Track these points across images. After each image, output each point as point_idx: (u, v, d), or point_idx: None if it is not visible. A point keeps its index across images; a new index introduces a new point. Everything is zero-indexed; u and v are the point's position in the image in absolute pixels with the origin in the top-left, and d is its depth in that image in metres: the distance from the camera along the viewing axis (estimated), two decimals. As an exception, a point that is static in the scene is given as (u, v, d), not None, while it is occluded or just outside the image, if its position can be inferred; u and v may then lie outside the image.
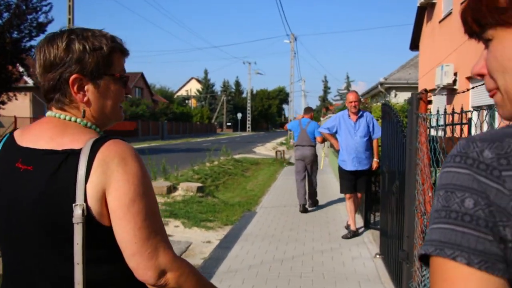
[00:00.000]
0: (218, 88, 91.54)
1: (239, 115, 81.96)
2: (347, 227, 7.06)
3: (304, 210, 8.73)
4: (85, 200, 1.18)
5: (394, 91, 21.87)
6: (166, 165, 11.75)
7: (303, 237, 6.83)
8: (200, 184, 9.63)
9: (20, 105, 30.84)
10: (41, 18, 17.51)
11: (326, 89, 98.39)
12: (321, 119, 40.28)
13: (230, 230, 7.41)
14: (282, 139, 43.06)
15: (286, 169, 17.52)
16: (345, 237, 6.76)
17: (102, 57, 1.31)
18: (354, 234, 6.80)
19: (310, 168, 9.06)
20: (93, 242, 1.21)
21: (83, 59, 1.28)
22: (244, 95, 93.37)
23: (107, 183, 1.19)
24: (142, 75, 55.34)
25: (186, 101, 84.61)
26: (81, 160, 1.18)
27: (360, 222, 7.42)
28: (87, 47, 1.28)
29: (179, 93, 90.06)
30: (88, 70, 1.29)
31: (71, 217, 1.17)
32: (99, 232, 1.21)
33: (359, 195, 7.15)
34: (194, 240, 6.82)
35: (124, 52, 1.41)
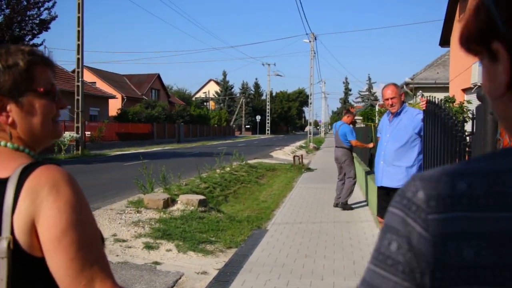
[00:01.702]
0: (237, 90, 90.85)
1: (258, 118, 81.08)
2: None
3: (336, 206, 9.61)
4: (12, 232, 1.10)
5: (420, 91, 20.43)
6: (170, 172, 10.52)
7: (321, 268, 5.48)
8: (202, 197, 8.33)
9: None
10: (44, 15, 16.46)
11: (347, 91, 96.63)
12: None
13: (233, 255, 6.11)
14: (301, 142, 41.69)
15: (305, 176, 16.17)
16: None
17: (19, 74, 1.22)
18: None
19: (344, 169, 9.70)
20: (27, 276, 1.13)
21: (8, 78, 1.20)
22: (263, 97, 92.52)
23: (36, 214, 1.10)
24: (158, 76, 54.67)
25: (204, 103, 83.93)
26: (8, 190, 1.11)
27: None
28: (0, 65, 1.21)
29: (197, 95, 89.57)
30: (6, 89, 1.21)
31: None
32: (32, 265, 1.12)
33: None
34: (186, 270, 5.54)
35: (48, 64, 1.31)
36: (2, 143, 1.22)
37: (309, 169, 18.04)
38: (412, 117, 5.16)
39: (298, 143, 40.88)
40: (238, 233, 7.19)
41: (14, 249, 1.10)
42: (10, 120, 1.22)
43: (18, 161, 1.18)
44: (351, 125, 9.81)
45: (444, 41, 17.26)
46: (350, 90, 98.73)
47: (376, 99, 73.69)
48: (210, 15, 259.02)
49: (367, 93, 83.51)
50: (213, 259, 6.01)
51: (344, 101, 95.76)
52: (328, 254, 6.10)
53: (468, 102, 8.76)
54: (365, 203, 10.18)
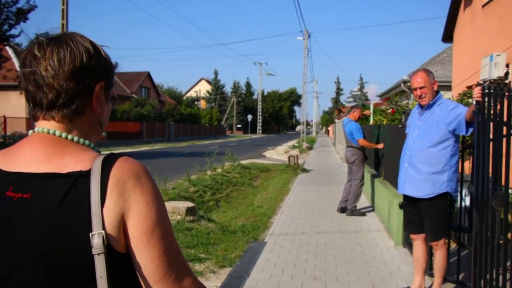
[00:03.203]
0: (228, 89, 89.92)
1: (250, 117, 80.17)
2: None
3: (341, 211, 8.80)
4: (103, 228, 1.05)
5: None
6: (156, 174, 9.48)
7: (336, 295, 4.51)
8: (190, 204, 7.29)
9: (15, 104, 28.86)
10: (22, 3, 15.32)
11: (338, 91, 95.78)
12: (336, 120, 37.98)
13: (227, 278, 5.09)
14: (294, 142, 40.74)
15: (301, 177, 15.19)
16: None
17: (111, 66, 1.26)
18: None
19: (352, 170, 8.87)
20: (115, 273, 1.07)
21: (106, 66, 1.22)
22: (254, 96, 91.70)
23: (125, 207, 1.07)
24: (148, 74, 53.42)
25: (195, 102, 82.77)
26: (93, 183, 1.06)
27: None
28: (103, 53, 1.23)
29: (188, 94, 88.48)
30: (108, 79, 1.23)
31: (86, 249, 1.04)
32: (120, 262, 1.09)
33: (436, 245, 4.31)
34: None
35: None
36: (74, 137, 1.17)
37: (304, 170, 17.07)
38: (448, 111, 4.16)
39: (291, 143, 39.92)
40: (232, 247, 6.18)
41: (106, 244, 1.05)
42: (98, 109, 1.21)
43: (90, 154, 1.14)
44: (358, 122, 8.83)
45: (447, 37, 16.35)
46: (342, 90, 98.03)
47: (367, 99, 73.00)
48: (201, 12, 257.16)
49: (358, 93, 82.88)
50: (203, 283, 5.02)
51: (336, 100, 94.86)
52: (340, 275, 5.11)
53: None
54: (371, 209, 9.22)
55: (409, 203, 4.48)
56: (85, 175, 1.07)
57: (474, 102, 3.82)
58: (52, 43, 1.15)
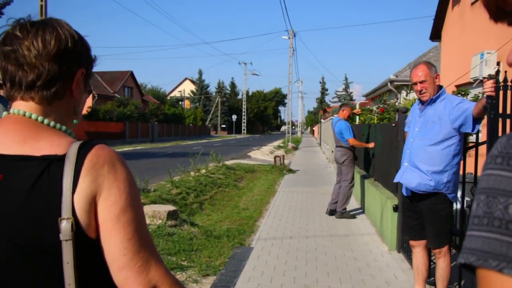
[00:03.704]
0: (212, 89, 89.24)
1: (234, 117, 79.69)
2: None
3: (330, 213, 8.45)
4: (73, 213, 1.04)
5: (405, 89, 19.43)
6: (137, 175, 9.03)
7: (330, 308, 4.14)
8: (172, 208, 6.84)
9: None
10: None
11: (323, 91, 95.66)
12: (322, 120, 37.68)
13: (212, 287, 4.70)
14: (279, 142, 40.42)
15: (287, 178, 14.82)
16: None
17: (91, 54, 1.26)
18: None
19: (341, 172, 8.47)
20: (85, 258, 1.07)
21: (88, 55, 1.24)
22: (239, 96, 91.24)
23: (97, 192, 1.07)
24: (131, 73, 52.63)
25: (180, 102, 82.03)
26: (67, 167, 1.05)
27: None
28: (88, 43, 1.25)
29: (172, 94, 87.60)
30: (89, 68, 1.25)
31: (56, 234, 1.03)
32: (87, 247, 1.07)
33: (439, 252, 3.96)
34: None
35: None
36: (50, 122, 1.16)
37: (291, 171, 16.71)
38: (452, 106, 3.80)
39: (276, 143, 39.60)
40: (217, 254, 5.78)
41: (76, 230, 1.04)
42: (78, 96, 1.23)
43: (66, 139, 1.13)
44: (350, 121, 8.48)
45: (435, 35, 16.15)
46: (327, 90, 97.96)
47: (352, 99, 73.01)
48: (184, 10, 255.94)
49: (343, 93, 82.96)
50: (184, 293, 4.61)
51: (321, 100, 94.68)
52: (333, 285, 4.74)
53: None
54: (361, 211, 8.89)
55: (408, 207, 4.13)
56: (59, 159, 1.06)
57: (485, 96, 3.45)
58: (36, 25, 1.14)
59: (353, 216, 8.27)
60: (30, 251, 1.04)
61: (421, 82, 3.93)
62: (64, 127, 1.18)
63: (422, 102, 4.04)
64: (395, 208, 6.00)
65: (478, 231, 0.64)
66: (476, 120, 3.65)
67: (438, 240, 3.88)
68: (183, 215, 7.58)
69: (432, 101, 3.94)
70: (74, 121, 1.26)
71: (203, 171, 13.24)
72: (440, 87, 3.97)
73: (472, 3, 12.49)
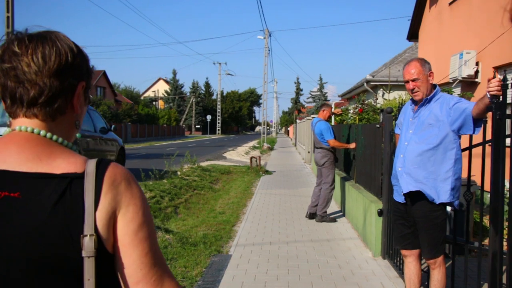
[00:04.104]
0: (187, 89, 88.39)
1: (209, 117, 79.12)
2: None
3: (310, 217, 8.23)
4: (95, 230, 1.06)
5: (381, 89, 19.35)
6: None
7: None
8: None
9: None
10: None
11: (298, 91, 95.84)
12: (297, 121, 37.51)
13: (187, 301, 4.35)
14: (254, 143, 40.17)
15: (264, 179, 14.52)
16: None
17: (90, 66, 1.25)
18: None
19: (322, 174, 8.17)
20: (104, 273, 1.08)
21: (88, 67, 1.23)
22: (214, 96, 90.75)
23: (117, 208, 1.09)
24: (104, 73, 51.71)
25: (153, 103, 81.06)
26: (87, 185, 1.07)
27: None
28: (86, 54, 1.24)
29: (146, 94, 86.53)
30: (89, 80, 1.23)
31: (78, 250, 1.03)
32: (105, 263, 1.09)
33: (434, 263, 3.70)
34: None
35: None
36: (58, 138, 1.15)
37: (267, 172, 16.43)
38: (449, 107, 3.52)
39: (251, 143, 39.33)
40: (193, 263, 5.42)
41: (98, 246, 1.06)
42: (79, 109, 1.21)
43: (78, 157, 1.13)
44: (328, 121, 8.20)
45: (412, 35, 16.08)
46: (302, 90, 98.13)
47: (326, 99, 73.22)
48: (157, 8, 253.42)
49: (318, 93, 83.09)
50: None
51: (296, 101, 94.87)
52: (318, 296, 4.45)
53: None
54: (341, 214, 8.65)
55: (401, 215, 3.85)
56: (79, 177, 1.07)
57: (489, 96, 3.17)
58: (35, 40, 1.12)
59: (334, 220, 8.01)
60: (50, 268, 1.04)
61: (413, 80, 3.66)
62: (70, 144, 1.17)
63: (415, 102, 3.77)
64: (380, 213, 5.75)
65: None
66: (476, 121, 3.37)
67: (433, 250, 3.61)
68: (157, 221, 7.20)
69: (426, 101, 3.67)
70: (77, 134, 1.23)
71: (178, 173, 12.83)
72: (434, 86, 3.70)
73: (450, 3, 12.41)
